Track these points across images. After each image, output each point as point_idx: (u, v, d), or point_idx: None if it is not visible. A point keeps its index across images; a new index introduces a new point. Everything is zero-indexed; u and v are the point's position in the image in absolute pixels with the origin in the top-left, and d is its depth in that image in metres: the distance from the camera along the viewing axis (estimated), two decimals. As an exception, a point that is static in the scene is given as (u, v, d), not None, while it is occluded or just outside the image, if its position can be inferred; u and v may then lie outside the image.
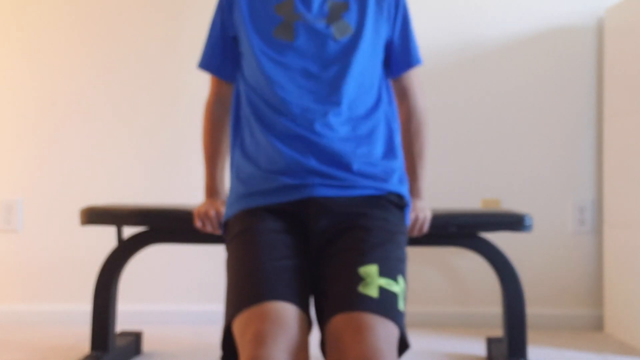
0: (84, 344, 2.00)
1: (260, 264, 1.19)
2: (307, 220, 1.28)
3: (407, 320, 2.36)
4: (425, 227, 1.52)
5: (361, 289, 1.12)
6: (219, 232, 1.51)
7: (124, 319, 2.13)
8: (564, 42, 2.36)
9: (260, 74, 1.37)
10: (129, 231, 1.76)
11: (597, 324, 2.30)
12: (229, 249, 1.31)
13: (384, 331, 1.09)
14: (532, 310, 2.15)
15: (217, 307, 2.11)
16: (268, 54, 1.37)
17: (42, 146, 2.42)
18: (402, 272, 1.22)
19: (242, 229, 1.28)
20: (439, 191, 2.24)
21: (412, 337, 2.14)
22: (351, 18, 1.38)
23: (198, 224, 1.53)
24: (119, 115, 2.41)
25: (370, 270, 1.16)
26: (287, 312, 1.11)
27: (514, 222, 1.67)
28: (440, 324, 2.34)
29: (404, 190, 1.38)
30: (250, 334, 1.08)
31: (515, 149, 2.36)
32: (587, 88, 2.35)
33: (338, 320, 1.10)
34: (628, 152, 2.11)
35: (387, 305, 1.12)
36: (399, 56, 1.47)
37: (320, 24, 1.37)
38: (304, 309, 1.16)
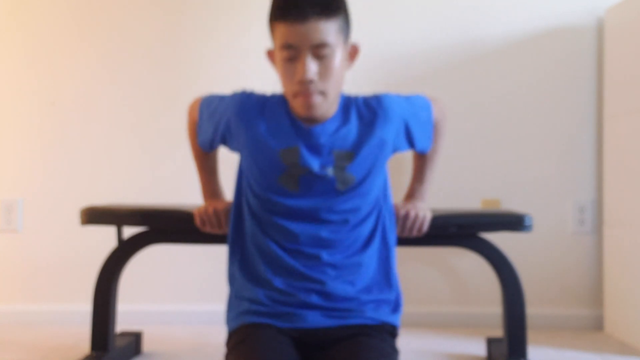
0: (84, 344, 2.00)
1: None
2: (308, 345, 1.32)
3: (408, 320, 2.36)
4: (425, 227, 1.52)
5: None
6: (218, 231, 1.51)
7: (124, 319, 2.13)
8: (563, 42, 2.36)
9: (263, 210, 1.38)
10: (129, 231, 1.76)
11: (597, 324, 2.30)
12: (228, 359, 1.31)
13: None
14: (532, 310, 2.15)
15: (217, 307, 2.11)
16: (272, 196, 1.37)
17: (42, 146, 2.41)
18: None
19: (243, 338, 1.29)
20: (439, 191, 2.24)
21: (412, 337, 2.15)
22: (355, 168, 1.37)
23: (198, 223, 1.53)
24: (120, 115, 2.41)
25: None
26: None
27: (514, 222, 1.67)
28: (440, 324, 2.34)
29: (396, 320, 1.41)
30: None
31: (515, 149, 2.36)
32: (587, 88, 2.35)
33: None
34: (628, 152, 2.10)
35: None
36: (423, 145, 1.49)
37: (325, 176, 1.36)
38: None
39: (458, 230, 1.65)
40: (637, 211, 2.04)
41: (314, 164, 1.35)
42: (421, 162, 1.56)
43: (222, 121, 1.43)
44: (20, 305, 2.39)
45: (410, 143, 1.46)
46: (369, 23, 2.37)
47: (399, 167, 2.06)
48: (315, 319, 1.33)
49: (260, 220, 1.39)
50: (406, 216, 1.49)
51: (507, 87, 2.37)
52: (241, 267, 1.42)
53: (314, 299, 1.34)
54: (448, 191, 2.32)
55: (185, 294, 2.39)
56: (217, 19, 2.41)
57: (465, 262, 2.35)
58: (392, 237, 1.46)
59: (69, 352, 1.94)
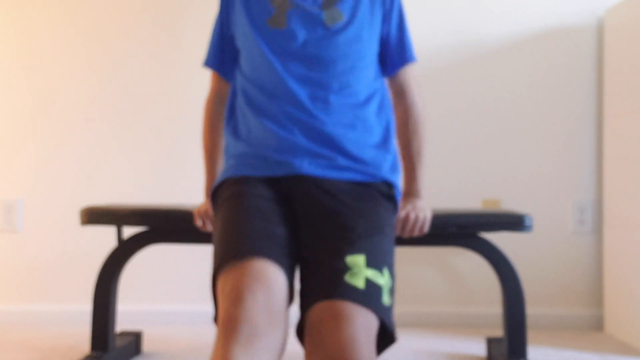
0: (84, 344, 2.00)
1: (248, 223, 1.17)
2: (295, 199, 1.28)
3: (408, 320, 2.36)
4: (426, 227, 1.52)
5: (347, 278, 1.10)
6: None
7: (124, 319, 2.13)
8: (564, 42, 2.36)
9: (255, 61, 1.39)
10: (128, 231, 1.77)
11: (597, 324, 2.30)
12: (217, 214, 1.29)
13: (364, 322, 1.07)
14: (532, 310, 2.16)
15: (217, 307, 2.11)
16: (262, 41, 1.38)
17: (42, 146, 2.42)
18: (389, 264, 1.20)
19: (232, 194, 1.27)
20: (439, 191, 2.24)
21: (412, 337, 2.15)
22: (345, 7, 1.40)
23: (198, 223, 1.53)
24: (119, 115, 2.41)
25: (358, 260, 1.14)
26: (269, 269, 1.08)
27: (514, 222, 1.67)
28: (440, 324, 2.34)
29: (395, 178, 1.39)
30: (229, 287, 1.06)
31: (516, 149, 2.36)
32: (587, 88, 2.35)
33: (320, 308, 1.08)
34: (628, 152, 2.11)
35: (371, 296, 1.10)
36: (395, 52, 1.48)
37: (313, 11, 1.38)
38: (288, 275, 1.13)
39: (458, 230, 1.65)
40: (638, 211, 2.04)
41: (302, 0, 1.39)
42: (409, 158, 1.52)
43: (223, 7, 1.48)
44: (20, 305, 2.39)
45: (387, 27, 1.46)
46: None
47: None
48: (302, 166, 1.29)
49: (249, 74, 1.40)
50: (406, 218, 1.49)
51: (507, 87, 2.37)
52: (233, 132, 1.42)
53: (304, 141, 1.31)
54: (448, 191, 2.32)
55: (185, 294, 2.39)
56: (217, 19, 2.41)
57: (465, 262, 2.35)
58: (391, 114, 1.46)
59: (68, 352, 1.94)
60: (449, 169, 2.35)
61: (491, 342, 1.91)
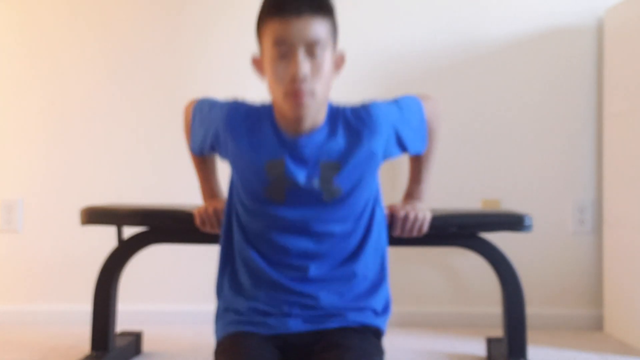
0: (84, 344, 2.00)
1: None
2: (292, 347, 1.32)
3: (407, 320, 2.36)
4: (425, 227, 1.52)
5: None
6: (218, 231, 1.51)
7: (124, 319, 2.13)
8: (563, 43, 2.36)
9: (251, 221, 1.38)
10: (129, 231, 1.77)
11: (597, 324, 2.30)
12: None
13: None
14: (532, 310, 2.15)
15: (217, 307, 2.11)
16: (257, 208, 1.36)
17: (42, 146, 2.42)
18: None
19: (228, 346, 1.30)
20: (439, 191, 2.24)
21: (412, 337, 2.15)
22: (343, 180, 1.35)
23: (198, 223, 1.54)
24: (120, 115, 2.42)
25: None
26: None
27: (514, 222, 1.67)
28: (440, 323, 2.34)
29: (382, 323, 1.39)
30: None
31: (515, 149, 2.36)
32: (586, 88, 2.35)
33: None
34: (628, 152, 2.11)
35: None
36: (416, 148, 1.46)
37: (312, 189, 1.34)
38: None
39: (458, 230, 1.65)
40: (637, 211, 2.05)
41: (300, 175, 1.33)
42: (417, 163, 1.54)
43: (211, 130, 1.41)
44: (21, 305, 2.39)
45: (403, 148, 1.43)
46: (369, 24, 2.37)
47: (396, 168, 2.06)
48: (296, 325, 1.33)
49: (247, 232, 1.39)
50: (406, 217, 1.49)
51: (507, 88, 2.37)
52: (229, 280, 1.42)
53: (296, 310, 1.34)
54: (448, 191, 2.33)
55: (186, 294, 2.39)
56: (218, 18, 2.41)
57: (465, 262, 2.35)
58: (385, 246, 1.44)
59: (69, 352, 1.94)
60: (449, 169, 2.35)
61: (491, 342, 1.91)
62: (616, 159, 2.19)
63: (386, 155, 1.40)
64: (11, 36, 2.43)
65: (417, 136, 1.45)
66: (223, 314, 1.40)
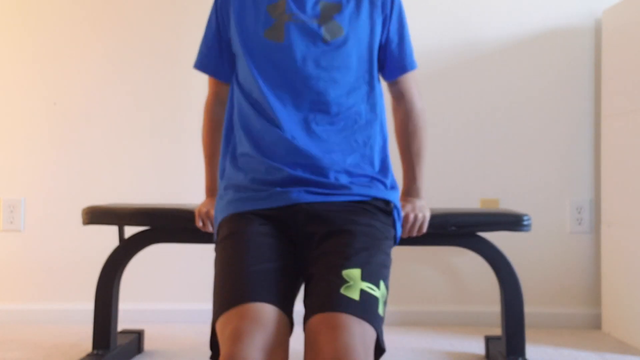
0: (86, 343, 2.01)
1: (244, 267, 1.21)
2: (294, 225, 1.29)
3: (407, 319, 2.37)
4: (425, 227, 1.53)
5: (343, 290, 1.13)
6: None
7: (126, 318, 2.14)
8: (561, 44, 2.37)
9: (250, 76, 1.37)
10: (130, 231, 1.78)
11: (595, 323, 2.32)
12: (217, 251, 1.34)
13: (360, 331, 1.09)
14: (531, 309, 2.17)
15: (218, 306, 2.12)
16: (257, 55, 1.36)
17: (44, 146, 2.43)
18: (385, 277, 1.23)
19: (230, 232, 1.29)
20: (438, 191, 2.25)
21: (412, 336, 2.16)
22: (343, 19, 1.37)
23: (199, 223, 1.55)
24: (122, 115, 2.42)
25: (354, 273, 1.17)
26: (265, 311, 1.13)
27: (513, 222, 1.68)
28: (439, 322, 2.35)
29: (391, 195, 1.38)
30: (228, 331, 1.13)
31: (514, 149, 2.38)
32: (584, 89, 2.37)
33: (316, 320, 1.11)
34: (625, 152, 2.12)
35: (366, 307, 1.13)
36: (395, 60, 1.46)
37: (312, 25, 1.35)
38: (285, 309, 1.17)
39: (457, 230, 1.66)
40: (635, 210, 2.06)
41: (301, 12, 1.36)
42: (408, 160, 1.54)
43: (213, 17, 1.46)
44: (23, 304, 2.41)
45: (387, 33, 1.44)
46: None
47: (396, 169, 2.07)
48: (299, 196, 1.30)
49: (249, 96, 1.38)
50: (406, 218, 1.50)
51: (505, 88, 2.38)
52: (231, 157, 1.42)
53: (300, 172, 1.32)
54: (447, 191, 2.34)
55: (187, 293, 2.40)
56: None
57: (464, 261, 2.36)
58: (385, 129, 1.45)
59: (71, 351, 1.95)
60: (448, 169, 2.36)
61: (490, 341, 1.92)
62: (614, 159, 2.21)
63: (377, 28, 1.42)
64: (12, 38, 2.44)
65: (400, 49, 1.46)
66: (224, 193, 1.40)
